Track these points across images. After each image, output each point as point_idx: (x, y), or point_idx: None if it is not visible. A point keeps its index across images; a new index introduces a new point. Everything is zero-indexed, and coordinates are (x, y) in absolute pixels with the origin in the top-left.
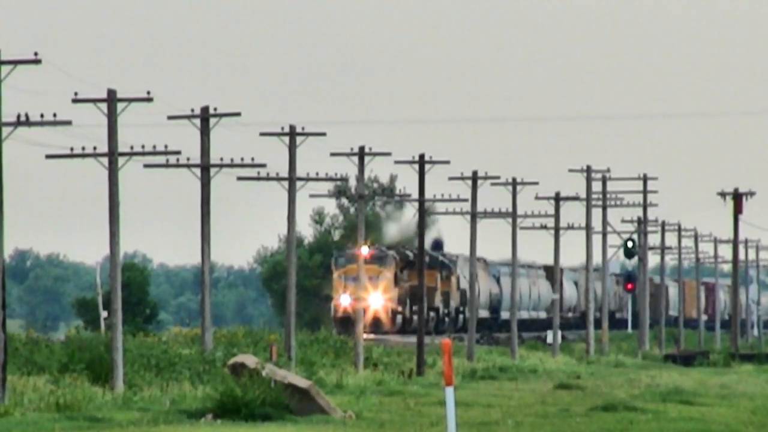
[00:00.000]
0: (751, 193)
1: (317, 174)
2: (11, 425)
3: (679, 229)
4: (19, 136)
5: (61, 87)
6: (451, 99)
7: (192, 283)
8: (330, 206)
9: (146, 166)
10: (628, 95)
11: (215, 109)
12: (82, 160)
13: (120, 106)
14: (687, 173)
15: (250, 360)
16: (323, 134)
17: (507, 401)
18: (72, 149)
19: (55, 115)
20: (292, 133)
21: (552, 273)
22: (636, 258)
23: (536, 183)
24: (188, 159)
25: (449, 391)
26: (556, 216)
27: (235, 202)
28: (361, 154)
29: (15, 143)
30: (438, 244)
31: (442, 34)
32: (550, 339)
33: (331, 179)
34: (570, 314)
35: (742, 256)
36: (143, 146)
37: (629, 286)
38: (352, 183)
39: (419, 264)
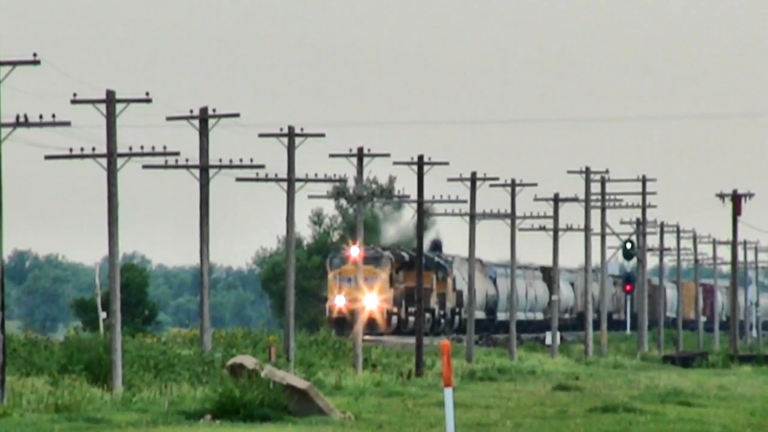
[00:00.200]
0: (750, 195)
1: (316, 175)
2: (10, 426)
3: (678, 231)
4: (18, 137)
5: (60, 88)
6: (450, 100)
7: (191, 284)
8: (329, 207)
9: (145, 167)
10: (627, 97)
11: (214, 110)
12: (81, 161)
13: (119, 107)
14: (686, 175)
15: (248, 361)
16: (322, 135)
17: (506, 402)
18: (71, 150)
19: (54, 116)
20: (291, 134)
21: (549, 274)
22: (635, 259)
23: (535, 184)
24: (187, 160)
25: (448, 392)
26: (555, 217)
27: (234, 203)
28: (360, 155)
29: (14, 144)
30: (437, 245)
31: (441, 36)
32: (548, 340)
33: (330, 180)
34: (566, 315)
35: (741, 257)
36: (142, 147)
37: (628, 287)
38: (351, 184)
39: (418, 265)
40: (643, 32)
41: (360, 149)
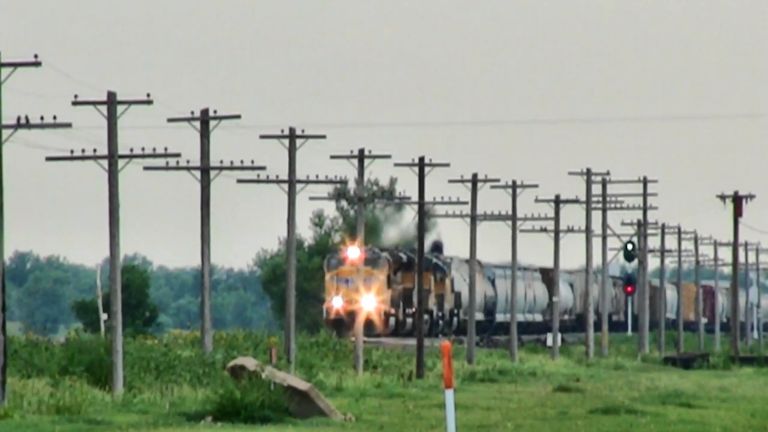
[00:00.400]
0: (751, 196)
1: (317, 176)
2: (11, 428)
3: (679, 232)
4: (19, 139)
5: (61, 89)
6: (450, 102)
7: (192, 286)
8: (330, 209)
9: (146, 168)
10: (628, 98)
11: (215, 112)
12: (82, 162)
13: (120, 108)
14: (687, 176)
15: (249, 362)
16: (323, 137)
17: (506, 404)
18: (72, 151)
19: (55, 117)
20: (292, 136)
21: (548, 275)
22: (636, 261)
23: (536, 186)
24: (188, 161)
25: (449, 394)
26: (556, 219)
27: (235, 204)
28: (361, 156)
29: (15, 145)
30: (438, 247)
31: (441, 37)
32: (549, 342)
33: (331, 182)
34: (566, 317)
35: (742, 259)
36: (143, 148)
37: (629, 288)
38: (352, 185)
39: (419, 266)
40: (644, 33)
41: (361, 151)
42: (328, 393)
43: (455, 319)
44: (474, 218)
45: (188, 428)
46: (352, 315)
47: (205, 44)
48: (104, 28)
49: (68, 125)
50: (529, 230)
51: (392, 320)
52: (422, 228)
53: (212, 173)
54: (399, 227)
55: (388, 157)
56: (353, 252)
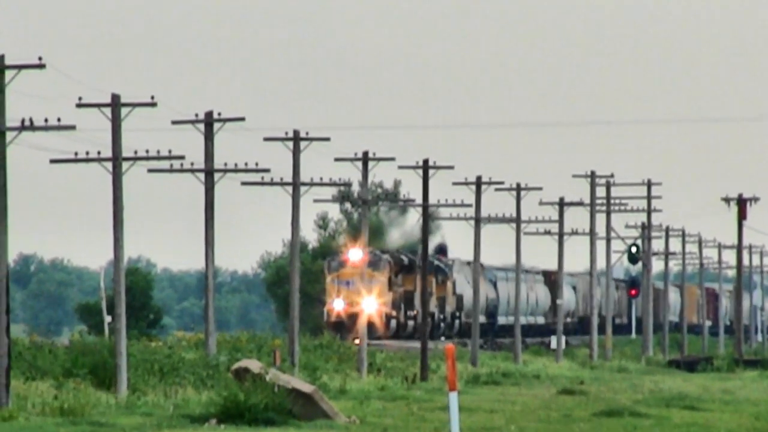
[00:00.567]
0: (755, 199)
1: (321, 179)
2: (15, 430)
3: (683, 235)
4: (23, 141)
5: (65, 92)
6: (455, 104)
7: (195, 288)
8: (334, 211)
9: (150, 170)
10: (632, 101)
11: (219, 114)
12: (86, 164)
13: (124, 110)
14: (691, 179)
15: (253, 365)
16: (327, 139)
17: (510, 406)
18: (76, 154)
19: (59, 119)
20: (296, 138)
21: (550, 278)
22: (640, 263)
23: (540, 188)
24: (192, 164)
25: (453, 396)
26: (560, 221)
27: (239, 206)
28: (365, 159)
29: (19, 148)
30: (442, 249)
31: (445, 40)
32: (553, 344)
33: (335, 184)
34: (568, 319)
35: (746, 261)
36: (147, 151)
37: (633, 291)
38: (356, 188)
39: (423, 269)
40: (649, 36)
41: (365, 153)
42: (332, 395)
43: (457, 321)
44: (478, 221)
45: (192, 430)
46: (352, 317)
47: (209, 47)
48: (108, 31)
49: (72, 127)
50: (533, 233)
51: (393, 323)
52: (426, 230)
53: (216, 175)
54: (403, 230)
55: (392, 159)
56: (355, 254)
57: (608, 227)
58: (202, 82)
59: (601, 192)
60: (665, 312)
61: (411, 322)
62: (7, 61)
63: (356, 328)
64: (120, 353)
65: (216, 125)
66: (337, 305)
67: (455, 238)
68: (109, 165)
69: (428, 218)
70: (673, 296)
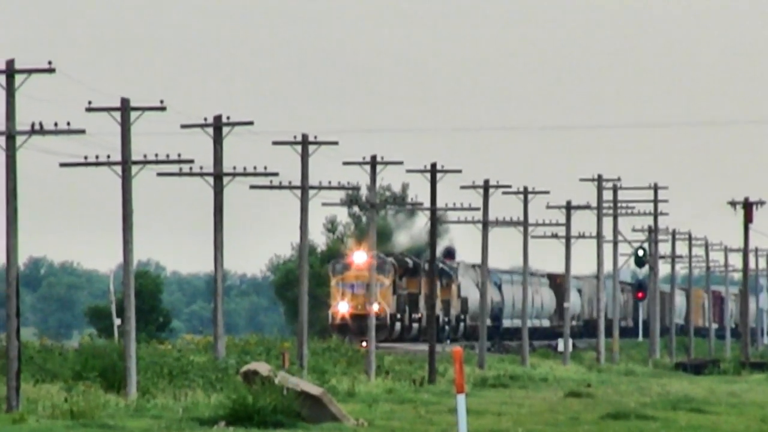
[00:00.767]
0: (761, 203)
1: (329, 183)
2: None
3: (690, 238)
4: (33, 145)
5: (75, 96)
6: (462, 108)
7: (205, 291)
8: (342, 215)
9: (159, 174)
10: (639, 105)
11: (228, 118)
12: (96, 168)
13: (133, 114)
14: (697, 182)
15: (262, 367)
16: (335, 143)
17: (518, 409)
18: (86, 158)
19: (69, 123)
20: (305, 142)
21: (555, 281)
22: (646, 266)
23: (547, 192)
24: (201, 167)
25: (460, 399)
26: (567, 225)
27: (248, 210)
28: (373, 162)
29: (29, 152)
30: (450, 253)
31: (453, 45)
32: (560, 347)
33: (343, 188)
34: (574, 322)
35: (752, 264)
36: (156, 155)
37: (639, 294)
38: (364, 192)
39: (430, 272)
40: (656, 41)
41: (373, 157)
42: (341, 398)
43: (462, 324)
44: (486, 224)
45: None
46: (357, 320)
47: (217, 51)
48: (117, 35)
49: (82, 131)
50: (541, 236)
51: (398, 325)
52: (434, 234)
53: (225, 179)
54: (411, 233)
55: (400, 163)
56: (360, 257)
57: (615, 231)
58: (211, 86)
59: (608, 195)
60: (672, 315)
61: (415, 325)
62: (17, 66)
63: (361, 330)
64: (129, 356)
65: (225, 129)
66: (341, 308)
67: (463, 242)
68: (119, 169)
69: (436, 221)
70: (679, 299)
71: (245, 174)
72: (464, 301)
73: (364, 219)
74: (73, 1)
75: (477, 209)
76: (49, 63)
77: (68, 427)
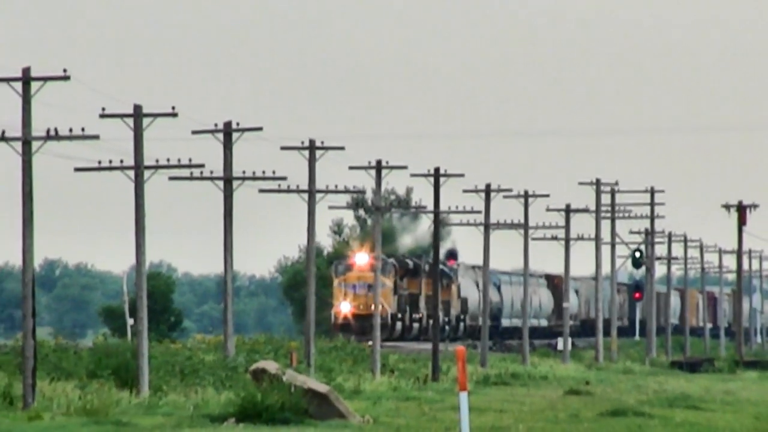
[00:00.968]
0: (755, 206)
1: (336, 186)
2: (40, 429)
3: (685, 240)
4: (48, 150)
5: (89, 102)
6: (465, 114)
7: (215, 292)
8: (348, 217)
9: (171, 178)
10: (636, 111)
11: (238, 124)
12: (110, 172)
13: (146, 120)
14: (693, 186)
15: (270, 366)
16: (342, 148)
17: (519, 406)
18: (100, 162)
19: (83, 129)
20: (312, 147)
21: (553, 282)
22: (643, 268)
23: (547, 195)
24: (212, 172)
25: (463, 397)
26: (567, 227)
27: (257, 213)
28: (379, 167)
29: (45, 156)
30: (452, 254)
31: (456, 53)
32: (560, 346)
33: (349, 192)
34: (571, 322)
35: (745, 266)
36: (168, 159)
37: (637, 295)
38: (370, 195)
39: (434, 273)
40: (652, 51)
41: (378, 162)
42: (347, 396)
43: (462, 324)
44: (487, 227)
45: (212, 430)
46: (359, 319)
47: (228, 59)
48: (130, 44)
49: (96, 137)
50: (541, 238)
51: (399, 325)
52: (437, 236)
53: (235, 183)
54: (414, 235)
55: (404, 167)
56: (361, 258)
57: (613, 233)
58: (221, 93)
59: (606, 199)
60: (668, 315)
61: (416, 325)
62: (33, 73)
63: (362, 329)
64: (142, 355)
65: (234, 135)
66: (343, 308)
67: (465, 244)
68: (132, 173)
69: (439, 224)
70: (673, 300)
71: (254, 178)
72: (464, 302)
73: (369, 222)
74: (88, 11)
75: (479, 212)
76: (64, 71)
77: (82, 423)
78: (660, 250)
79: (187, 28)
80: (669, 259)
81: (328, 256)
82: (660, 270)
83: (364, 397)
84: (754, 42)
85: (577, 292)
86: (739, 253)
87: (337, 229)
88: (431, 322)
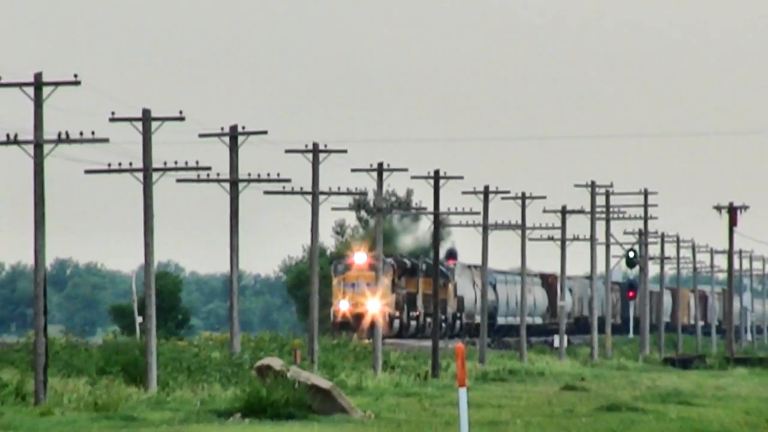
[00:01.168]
0: (745, 207)
1: (339, 188)
2: (52, 424)
3: (678, 241)
4: (60, 153)
5: (99, 107)
6: (464, 118)
7: (221, 291)
8: (351, 218)
9: (179, 180)
10: (631, 115)
11: (243, 128)
12: (119, 175)
13: (154, 124)
14: (685, 188)
15: (275, 363)
16: (344, 151)
17: (516, 402)
18: (109, 165)
19: (93, 133)
20: (316, 150)
21: (547, 280)
22: (637, 267)
23: (544, 197)
24: (218, 174)
25: (462, 393)
26: (563, 228)
27: (262, 214)
28: (380, 169)
29: (56, 159)
30: (452, 254)
31: (456, 59)
32: (556, 343)
33: (351, 193)
34: (565, 320)
35: (736, 265)
36: (176, 162)
37: (630, 293)
38: (371, 197)
39: (434, 273)
40: (647, 56)
41: (380, 164)
42: (349, 392)
43: (458, 322)
44: (486, 228)
45: (218, 424)
46: (357, 318)
47: (234, 65)
48: (139, 50)
49: (106, 140)
50: (538, 239)
51: (396, 323)
52: (437, 237)
53: (241, 185)
54: (415, 236)
55: (405, 170)
56: (360, 257)
57: (608, 233)
58: (227, 97)
59: (600, 200)
60: (661, 313)
61: (413, 323)
62: (45, 79)
63: (361, 327)
64: (150, 352)
65: (240, 138)
66: (342, 306)
67: (464, 244)
68: (140, 175)
69: (439, 225)
70: (666, 298)
71: (259, 180)
72: (460, 300)
73: (371, 223)
74: (98, 19)
75: (477, 213)
76: (75, 76)
77: (93, 418)
78: (653, 250)
79: (194, 35)
80: (662, 259)
81: (331, 256)
82: (653, 269)
83: (366, 393)
84: (746, 46)
85: (570, 290)
86: (730, 253)
87: (340, 229)
88: (428, 320)
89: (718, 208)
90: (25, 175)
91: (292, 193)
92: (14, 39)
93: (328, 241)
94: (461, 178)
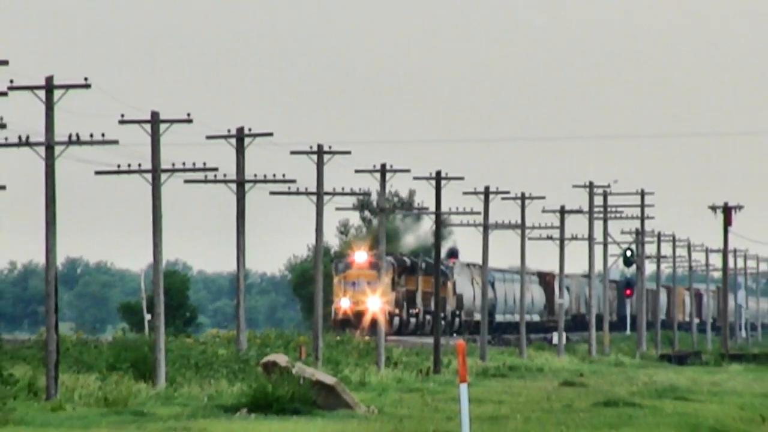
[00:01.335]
0: (740, 207)
1: (343, 189)
2: (63, 419)
3: (674, 240)
4: (70, 155)
5: (108, 109)
6: (465, 120)
7: (228, 289)
8: (354, 218)
9: (186, 181)
10: (628, 116)
11: (249, 130)
12: (128, 176)
13: (163, 126)
14: (681, 188)
15: (281, 359)
16: (348, 153)
17: (516, 397)
18: (119, 166)
19: (103, 135)
20: (320, 152)
21: (545, 279)
22: (634, 266)
23: (543, 197)
24: (225, 175)
25: (463, 388)
26: (561, 228)
27: (268, 214)
28: (383, 170)
29: (67, 161)
30: (453, 253)
31: (457, 61)
32: (555, 340)
33: (355, 194)
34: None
35: (731, 264)
36: (184, 163)
37: (628, 291)
38: (375, 197)
39: (435, 272)
40: (643, 57)
41: (383, 165)
42: (353, 387)
43: (457, 319)
44: (486, 227)
45: (224, 419)
46: (358, 315)
47: (240, 68)
48: (148, 54)
49: (115, 142)
50: (537, 238)
51: (396, 320)
52: (439, 236)
53: (247, 186)
54: (417, 235)
55: (407, 171)
56: (360, 256)
57: (605, 233)
58: (234, 100)
59: (598, 201)
60: (657, 311)
61: (413, 320)
62: (56, 82)
63: (361, 325)
64: (159, 349)
65: (246, 140)
66: (343, 304)
67: (465, 243)
68: (149, 176)
69: (440, 225)
70: (663, 296)
71: (265, 181)
72: (459, 298)
73: (374, 222)
74: (108, 23)
75: (478, 213)
76: (85, 79)
77: (103, 414)
78: (650, 249)
79: (201, 39)
80: (658, 258)
81: (335, 255)
82: (650, 268)
83: (369, 389)
84: (740, 53)
85: (568, 288)
86: (724, 252)
87: (344, 229)
88: (427, 317)
89: (713, 208)
90: (37, 176)
91: (297, 193)
92: (26, 44)
93: (332, 240)
94: (462, 178)
